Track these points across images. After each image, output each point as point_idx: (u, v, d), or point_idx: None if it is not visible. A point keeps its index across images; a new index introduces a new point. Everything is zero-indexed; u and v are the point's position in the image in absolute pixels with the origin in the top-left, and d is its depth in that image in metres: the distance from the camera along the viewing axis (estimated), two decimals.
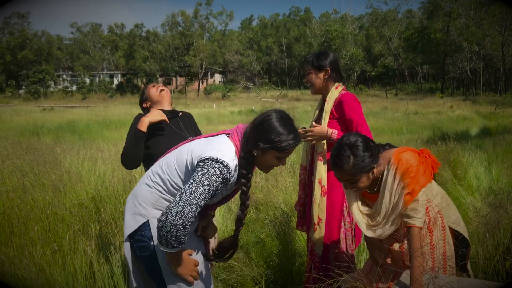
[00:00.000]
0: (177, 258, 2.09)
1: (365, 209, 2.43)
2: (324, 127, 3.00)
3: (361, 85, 61.31)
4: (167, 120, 2.95)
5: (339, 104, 3.03)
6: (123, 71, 70.28)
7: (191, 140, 2.29)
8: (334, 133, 2.97)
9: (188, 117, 3.28)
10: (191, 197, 1.96)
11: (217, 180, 2.01)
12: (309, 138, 3.03)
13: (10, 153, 7.02)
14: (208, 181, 1.98)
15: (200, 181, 1.98)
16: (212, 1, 71.22)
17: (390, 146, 2.45)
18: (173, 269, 2.12)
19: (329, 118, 3.06)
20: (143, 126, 2.87)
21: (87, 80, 64.83)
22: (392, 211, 2.27)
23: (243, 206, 2.22)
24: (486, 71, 56.00)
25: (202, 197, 1.98)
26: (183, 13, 69.89)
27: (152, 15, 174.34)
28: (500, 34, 46.57)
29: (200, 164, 2.02)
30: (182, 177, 2.12)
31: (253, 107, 31.27)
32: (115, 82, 68.95)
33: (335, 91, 3.09)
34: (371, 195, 2.43)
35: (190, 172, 2.10)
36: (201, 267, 2.28)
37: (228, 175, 2.04)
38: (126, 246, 2.24)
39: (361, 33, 72.40)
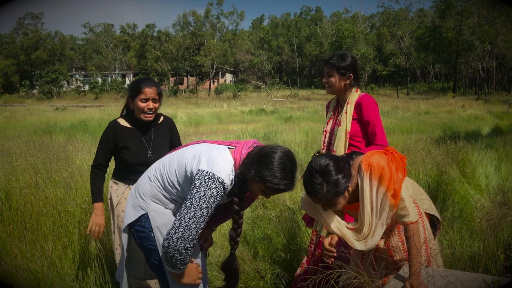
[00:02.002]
0: (181, 274, 2.17)
1: (348, 224, 2.38)
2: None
3: (372, 84, 61.01)
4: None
5: (358, 106, 3.10)
6: (135, 71, 70.73)
7: (197, 143, 2.34)
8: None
9: (167, 123, 3.23)
10: (190, 222, 2.02)
11: (215, 201, 2.05)
12: None
13: (24, 151, 7.14)
14: (206, 204, 2.02)
15: (198, 205, 2.02)
16: (223, 1, 71.39)
17: (356, 154, 2.42)
18: (178, 282, 2.18)
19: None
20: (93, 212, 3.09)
21: (100, 80, 65.41)
22: (378, 216, 2.25)
23: (235, 225, 2.24)
24: (499, 70, 55.38)
25: (201, 220, 2.04)
26: (194, 13, 70.17)
27: (163, 15, 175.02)
28: None
29: (197, 179, 2.05)
30: (178, 178, 2.19)
31: (263, 107, 31.28)
32: (127, 82, 69.40)
33: (355, 94, 3.16)
34: (350, 205, 2.41)
35: (186, 175, 2.16)
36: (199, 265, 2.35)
37: (225, 192, 2.09)
38: (124, 236, 2.34)
39: (372, 32, 72.08)
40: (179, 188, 2.20)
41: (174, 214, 2.27)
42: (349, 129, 3.09)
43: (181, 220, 2.03)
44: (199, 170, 2.07)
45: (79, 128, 15.53)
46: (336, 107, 3.29)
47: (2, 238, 3.98)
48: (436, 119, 19.96)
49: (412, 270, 2.16)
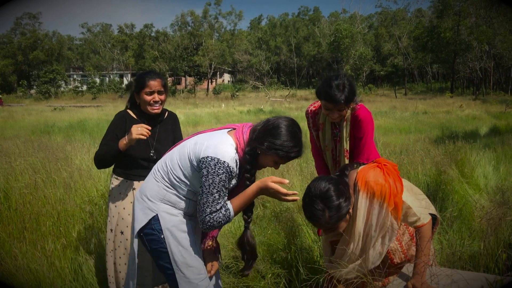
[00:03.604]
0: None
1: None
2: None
3: (370, 84, 61.01)
4: (146, 136, 2.85)
5: (355, 120, 2.99)
6: (133, 71, 70.61)
7: (194, 135, 2.34)
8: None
9: (171, 118, 3.28)
10: (204, 207, 2.07)
11: (224, 184, 2.09)
12: None
13: (22, 151, 7.13)
14: (217, 189, 2.07)
15: (208, 191, 2.06)
16: (221, 1, 71.27)
17: (348, 168, 2.39)
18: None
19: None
20: (122, 145, 2.89)
21: (97, 80, 65.31)
22: (377, 231, 2.23)
23: None
24: (496, 70, 55.50)
25: (216, 203, 2.08)
26: (193, 13, 70.11)
27: (161, 15, 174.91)
28: (510, 33, 46.12)
29: (203, 167, 2.08)
30: (184, 171, 2.18)
31: (262, 107, 31.29)
32: (125, 82, 69.33)
33: (349, 110, 3.02)
34: None
35: (191, 166, 2.16)
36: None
37: (232, 175, 2.12)
38: (135, 242, 2.30)
39: (370, 33, 72.15)
40: (187, 182, 2.19)
41: (185, 214, 2.26)
42: (347, 147, 3.05)
43: (201, 213, 2.08)
44: (203, 157, 2.08)
45: (77, 128, 15.51)
46: (335, 124, 3.13)
47: (1, 238, 3.97)
48: (434, 119, 20.00)
49: (416, 269, 2.17)
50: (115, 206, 3.10)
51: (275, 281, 3.38)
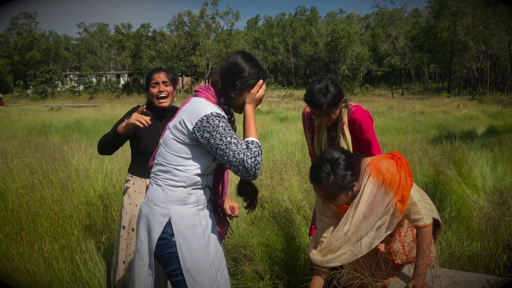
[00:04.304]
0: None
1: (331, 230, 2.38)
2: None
3: (367, 84, 61.15)
4: (145, 124, 2.84)
5: (354, 122, 2.90)
6: (130, 71, 70.59)
7: (165, 130, 2.27)
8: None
9: None
10: (233, 154, 1.98)
11: (230, 129, 2.04)
12: None
13: (19, 152, 7.10)
14: (229, 135, 2.00)
15: (225, 144, 1.99)
16: (218, 1, 71.54)
17: (361, 156, 2.40)
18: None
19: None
20: (121, 128, 2.95)
21: (94, 80, 65.21)
22: (379, 218, 2.24)
23: None
24: (493, 70, 55.70)
25: (240, 144, 2.00)
26: (189, 13, 70.14)
27: (158, 15, 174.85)
28: (507, 33, 46.30)
29: (202, 132, 2.02)
30: (182, 155, 2.12)
31: (259, 107, 31.28)
32: (122, 81, 69.28)
33: (346, 110, 2.91)
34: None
35: (185, 145, 2.10)
36: (219, 257, 2.27)
37: (226, 118, 2.10)
38: (152, 255, 2.18)
39: (367, 33, 72.30)
40: (192, 162, 2.12)
41: (198, 209, 2.18)
42: (351, 150, 2.92)
43: (229, 159, 1.99)
44: (195, 126, 2.03)
45: (74, 128, 15.47)
46: (331, 127, 3.04)
47: None
48: (431, 119, 20.05)
49: (417, 271, 2.16)
50: (129, 204, 3.12)
51: (274, 282, 3.37)
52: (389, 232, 2.27)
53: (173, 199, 2.14)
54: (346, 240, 2.28)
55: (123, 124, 2.94)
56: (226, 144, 1.98)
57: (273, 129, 14.57)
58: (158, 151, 2.24)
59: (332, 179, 2.19)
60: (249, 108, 2.19)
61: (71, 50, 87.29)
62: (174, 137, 2.12)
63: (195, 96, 2.22)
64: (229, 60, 2.18)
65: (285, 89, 58.26)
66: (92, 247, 3.93)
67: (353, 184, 2.24)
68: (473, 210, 4.82)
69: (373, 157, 2.33)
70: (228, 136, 1.99)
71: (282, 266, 3.57)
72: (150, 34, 73.13)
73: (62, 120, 19.02)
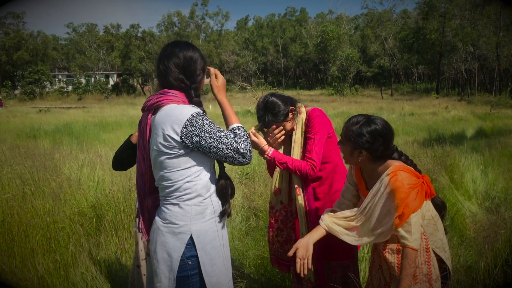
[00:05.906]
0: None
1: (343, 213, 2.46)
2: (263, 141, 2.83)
3: (356, 85, 61.33)
4: None
5: (307, 121, 2.85)
6: (119, 71, 70.10)
7: (139, 156, 2.25)
8: (269, 151, 2.80)
9: None
10: (225, 146, 2.05)
11: (213, 123, 2.09)
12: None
13: (9, 159, 7.01)
14: (217, 130, 2.06)
15: (216, 139, 2.04)
16: (208, 1, 71.22)
17: (400, 154, 2.40)
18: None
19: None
20: (134, 137, 2.89)
21: (83, 81, 64.66)
22: (378, 223, 2.28)
23: None
24: (481, 71, 56.20)
25: (229, 135, 2.09)
26: (179, 13, 69.90)
27: (148, 15, 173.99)
28: (494, 35, 46.70)
29: (189, 136, 2.01)
30: (182, 168, 2.07)
31: (249, 108, 31.22)
32: (111, 82, 68.80)
33: (299, 117, 2.87)
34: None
35: (179, 155, 2.05)
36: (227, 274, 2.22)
37: (206, 114, 2.15)
38: (174, 271, 2.11)
39: (356, 34, 72.56)
40: (196, 169, 2.09)
41: (214, 225, 2.13)
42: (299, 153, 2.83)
43: (224, 152, 2.05)
44: (181, 134, 2.02)
45: (64, 131, 15.28)
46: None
47: None
48: (421, 121, 20.16)
49: None
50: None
51: None
52: (384, 240, 2.32)
53: (192, 214, 2.09)
54: (360, 219, 2.36)
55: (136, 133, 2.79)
56: (217, 140, 2.04)
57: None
58: (157, 177, 2.17)
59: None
60: (221, 97, 2.34)
61: (59, 50, 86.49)
62: (166, 156, 2.07)
63: (159, 105, 2.15)
64: (181, 56, 2.22)
65: (275, 89, 58.22)
66: (85, 259, 3.88)
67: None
68: (466, 218, 4.85)
69: (402, 164, 2.33)
70: (217, 131, 2.05)
71: (279, 280, 3.55)
72: (139, 34, 72.72)
73: (51, 123, 18.80)
